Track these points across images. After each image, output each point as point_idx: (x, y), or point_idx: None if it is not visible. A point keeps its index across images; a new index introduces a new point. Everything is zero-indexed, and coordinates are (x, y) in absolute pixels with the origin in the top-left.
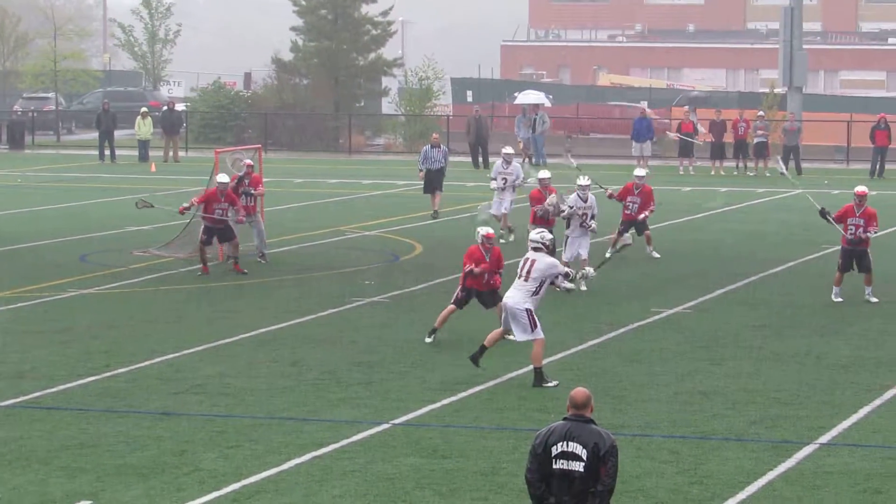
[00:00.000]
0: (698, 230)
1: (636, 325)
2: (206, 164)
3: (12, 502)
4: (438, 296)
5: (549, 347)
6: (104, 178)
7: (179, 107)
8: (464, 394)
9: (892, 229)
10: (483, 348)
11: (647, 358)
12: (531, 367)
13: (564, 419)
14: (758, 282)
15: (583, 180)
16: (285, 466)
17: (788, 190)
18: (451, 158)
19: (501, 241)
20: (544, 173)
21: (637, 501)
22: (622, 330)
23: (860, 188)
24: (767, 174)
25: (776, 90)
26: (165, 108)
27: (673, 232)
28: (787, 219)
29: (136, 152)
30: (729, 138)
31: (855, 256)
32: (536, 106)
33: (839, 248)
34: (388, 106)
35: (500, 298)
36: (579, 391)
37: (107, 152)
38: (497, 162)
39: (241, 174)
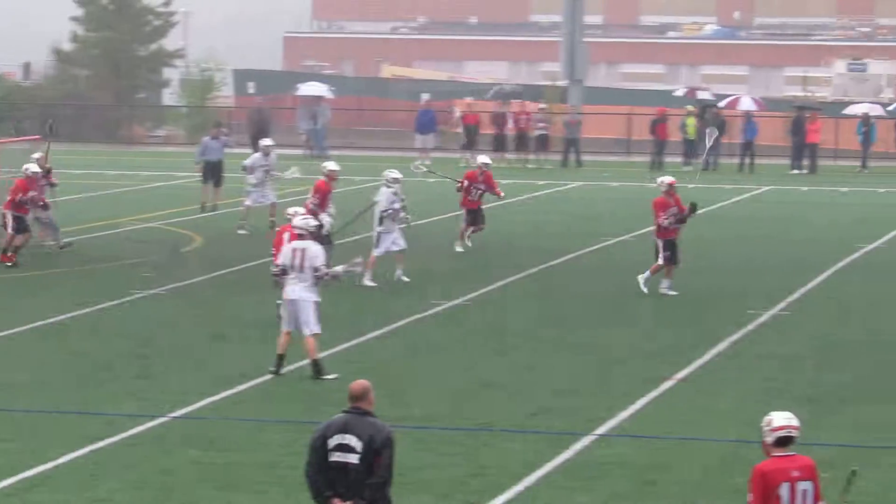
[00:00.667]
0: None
1: (417, 317)
2: None
3: None
4: (219, 287)
5: (330, 341)
6: None
7: None
8: (243, 387)
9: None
10: (281, 358)
11: (427, 350)
12: (295, 364)
13: (343, 412)
14: (539, 273)
15: (393, 173)
16: (62, 460)
17: (567, 182)
18: (233, 151)
19: (241, 231)
20: (332, 164)
21: (417, 494)
22: (403, 322)
23: (669, 178)
24: (548, 166)
25: (557, 83)
26: None
27: (454, 224)
28: (568, 210)
29: None
30: (511, 130)
31: (673, 247)
32: (319, 98)
33: (655, 240)
34: (169, 97)
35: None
36: (357, 383)
37: None
38: (255, 155)
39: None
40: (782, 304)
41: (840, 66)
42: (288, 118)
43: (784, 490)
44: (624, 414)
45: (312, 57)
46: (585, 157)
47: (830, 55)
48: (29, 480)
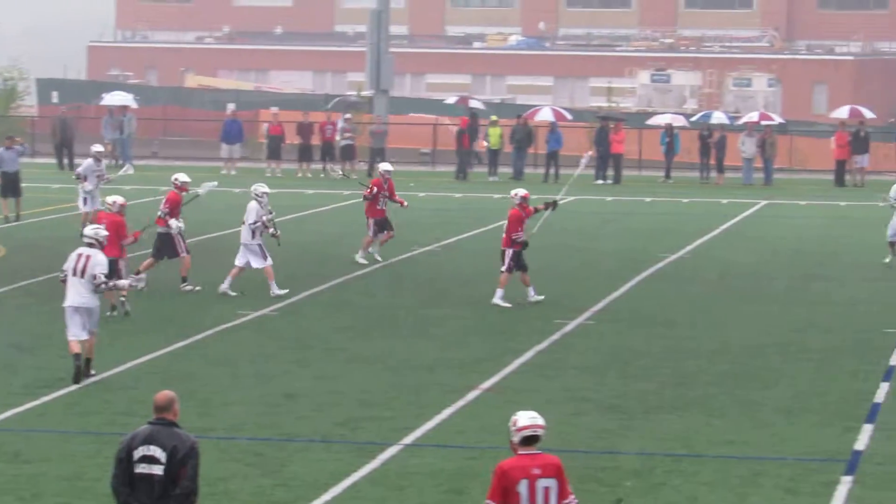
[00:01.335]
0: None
1: (223, 327)
2: None
3: None
4: (22, 298)
5: (136, 350)
6: None
7: None
8: (47, 398)
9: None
10: (78, 357)
11: (232, 360)
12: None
13: (148, 423)
14: (343, 284)
15: (262, 187)
16: None
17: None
18: (34, 160)
19: None
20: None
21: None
22: (210, 332)
23: (523, 191)
24: (354, 176)
25: (363, 93)
26: None
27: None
28: None
29: None
30: (316, 140)
31: (519, 257)
32: (124, 107)
33: (505, 249)
34: None
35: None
36: (162, 394)
37: None
38: (88, 161)
39: None
40: (587, 314)
41: (644, 76)
42: (92, 127)
43: (523, 487)
44: (431, 424)
45: (117, 66)
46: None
47: (634, 66)
48: None
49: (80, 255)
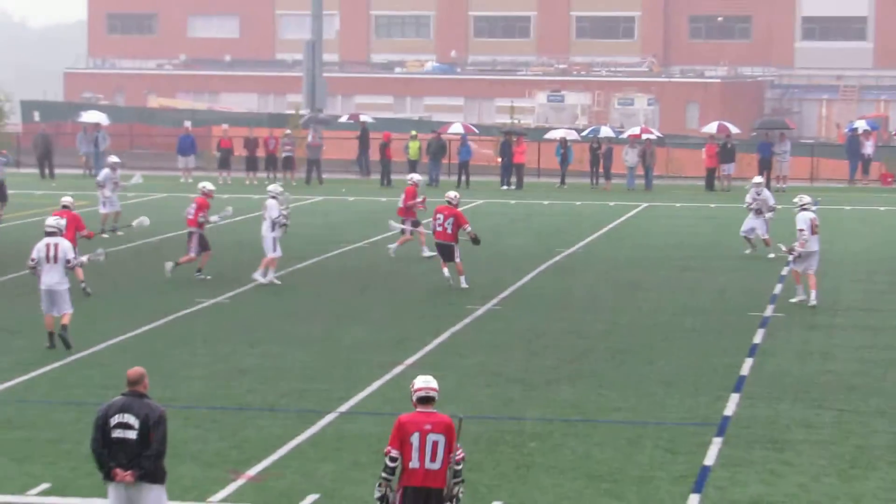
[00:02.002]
0: (235, 232)
1: (183, 312)
2: None
3: None
4: (11, 288)
5: (110, 332)
6: None
7: None
8: (35, 373)
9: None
10: (51, 335)
11: (192, 341)
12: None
13: (122, 394)
14: (287, 275)
15: (277, 187)
16: None
17: (311, 197)
18: (20, 170)
19: (104, 235)
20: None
21: (186, 464)
22: (172, 317)
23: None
24: (294, 183)
25: (300, 111)
26: None
27: (215, 232)
28: (312, 221)
29: None
30: (261, 153)
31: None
32: (97, 125)
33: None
34: None
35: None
36: (134, 370)
37: None
38: (105, 171)
39: None
40: (495, 300)
41: (541, 97)
42: (69, 142)
43: (415, 438)
44: (362, 394)
45: (89, 89)
46: (326, 176)
47: (533, 88)
48: None
49: (48, 245)
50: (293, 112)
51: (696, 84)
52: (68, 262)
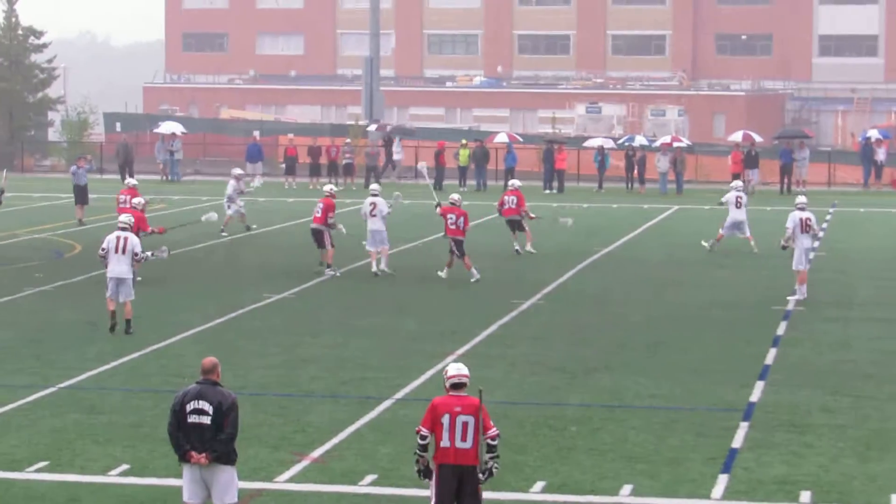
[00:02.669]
0: (295, 235)
1: (253, 307)
2: None
3: None
4: (95, 286)
5: (183, 325)
6: None
7: None
8: (115, 363)
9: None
10: (113, 314)
11: (260, 333)
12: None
13: (197, 382)
14: (347, 272)
15: (377, 187)
16: None
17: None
18: (103, 177)
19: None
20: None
21: (255, 447)
22: (241, 311)
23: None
24: (353, 188)
25: (360, 122)
26: None
27: (282, 234)
28: None
29: None
30: (324, 160)
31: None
32: (173, 134)
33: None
34: (53, 134)
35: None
36: (208, 360)
37: None
38: (231, 182)
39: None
40: (539, 295)
41: (580, 108)
42: (147, 151)
43: (446, 419)
44: (417, 382)
45: (166, 102)
46: (383, 181)
47: (573, 100)
48: None
49: (118, 238)
50: (353, 122)
51: (723, 96)
52: (136, 255)
